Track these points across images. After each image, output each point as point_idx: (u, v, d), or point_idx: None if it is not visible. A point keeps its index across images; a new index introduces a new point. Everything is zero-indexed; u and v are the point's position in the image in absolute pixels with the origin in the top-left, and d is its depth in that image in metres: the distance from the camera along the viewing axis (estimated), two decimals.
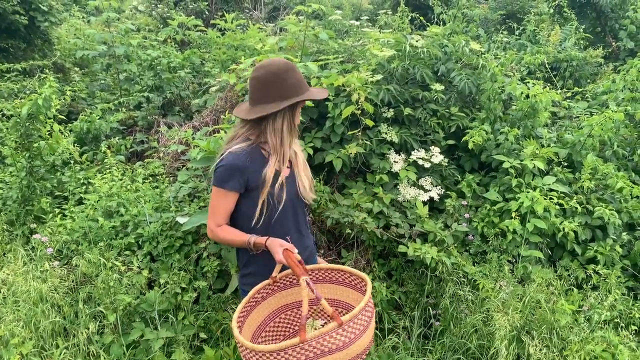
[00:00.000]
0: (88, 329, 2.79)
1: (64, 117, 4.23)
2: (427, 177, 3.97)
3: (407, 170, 3.87)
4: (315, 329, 2.07)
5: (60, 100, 3.84)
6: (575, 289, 3.45)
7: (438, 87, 4.03)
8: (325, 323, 2.17)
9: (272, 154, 2.02)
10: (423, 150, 3.97)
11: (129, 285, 3.02)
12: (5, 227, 3.36)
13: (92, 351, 2.77)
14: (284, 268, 2.07)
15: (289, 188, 2.09)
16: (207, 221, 2.10)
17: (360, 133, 3.80)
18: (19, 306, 2.79)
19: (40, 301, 2.82)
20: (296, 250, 1.95)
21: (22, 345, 2.59)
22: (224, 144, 2.09)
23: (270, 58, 2.01)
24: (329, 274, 2.17)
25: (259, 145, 2.03)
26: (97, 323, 2.86)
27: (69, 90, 4.28)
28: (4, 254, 3.15)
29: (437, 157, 3.91)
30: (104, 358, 2.74)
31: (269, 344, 2.14)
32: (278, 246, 1.93)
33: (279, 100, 1.93)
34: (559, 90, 4.63)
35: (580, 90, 5.21)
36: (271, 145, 2.01)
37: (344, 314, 2.04)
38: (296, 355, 1.68)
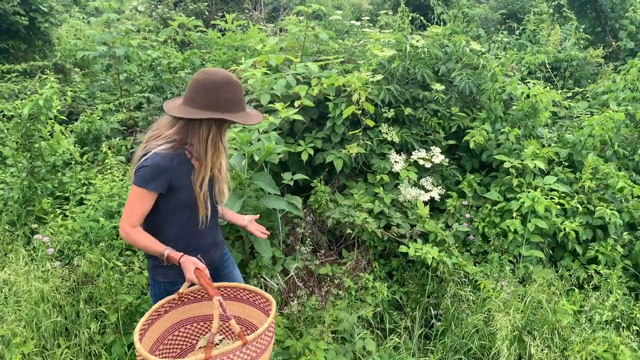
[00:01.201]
0: (90, 328, 2.79)
1: (65, 118, 4.23)
2: (427, 177, 3.97)
3: (408, 170, 3.87)
4: (216, 344, 2.19)
5: (61, 100, 3.83)
6: (576, 289, 3.46)
7: (439, 87, 4.04)
8: (224, 338, 2.27)
9: (198, 160, 2.03)
10: (424, 150, 3.98)
11: (130, 285, 3.02)
12: (6, 227, 3.35)
13: (94, 351, 2.77)
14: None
15: (209, 189, 2.13)
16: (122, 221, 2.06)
17: (360, 133, 3.80)
18: (20, 306, 2.79)
19: (42, 301, 2.82)
20: (207, 271, 2.00)
21: (23, 345, 2.59)
22: (144, 141, 2.05)
23: (219, 69, 2.00)
24: (235, 292, 2.24)
25: (183, 147, 2.02)
26: (99, 323, 2.85)
27: (70, 90, 4.27)
28: (6, 254, 3.15)
29: (438, 157, 3.92)
30: (106, 358, 2.73)
31: (166, 357, 2.18)
32: (191, 264, 1.97)
33: (206, 109, 1.92)
34: (560, 90, 4.62)
35: (580, 90, 5.21)
36: (197, 153, 2.02)
37: (247, 333, 2.14)
38: None
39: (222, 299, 1.96)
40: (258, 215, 2.58)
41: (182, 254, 2.02)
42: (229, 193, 2.26)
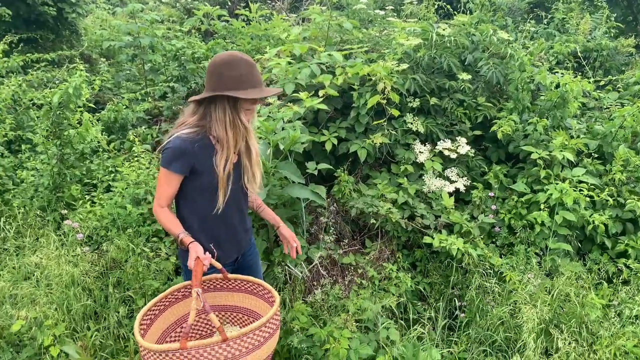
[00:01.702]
0: (118, 312, 2.85)
1: (93, 106, 4.30)
2: (453, 168, 3.92)
3: (433, 160, 3.83)
4: None
5: (89, 89, 3.89)
6: (605, 283, 3.39)
7: (465, 76, 3.97)
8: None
9: (218, 142, 2.06)
10: (449, 140, 3.93)
11: (157, 271, 3.07)
12: (37, 212, 3.43)
13: (122, 334, 2.83)
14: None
15: (235, 175, 2.14)
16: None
17: (385, 123, 3.77)
18: (51, 289, 2.86)
19: (72, 285, 2.88)
20: (208, 263, 2.01)
21: (55, 327, 2.65)
22: (173, 128, 2.11)
23: (226, 51, 2.03)
24: (246, 284, 2.26)
25: (207, 133, 2.06)
26: (127, 307, 2.91)
27: (98, 79, 4.33)
28: (37, 238, 3.23)
29: (464, 147, 3.87)
30: (133, 341, 2.79)
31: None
32: (194, 252, 2.00)
33: (212, 90, 1.96)
34: (590, 80, 4.51)
35: (611, 79, 5.07)
36: (216, 134, 2.05)
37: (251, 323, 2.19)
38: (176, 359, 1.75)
39: (226, 289, 2.11)
40: (294, 241, 2.46)
41: (192, 240, 2.06)
42: (261, 181, 2.26)
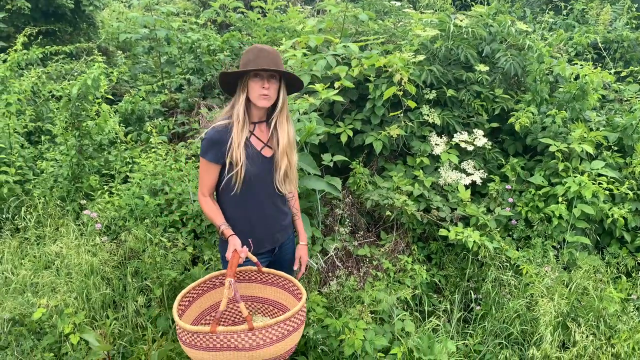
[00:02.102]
0: (136, 301, 2.89)
1: (111, 97, 4.35)
2: (469, 160, 3.89)
3: (449, 153, 3.81)
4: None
5: (107, 82, 3.94)
6: (623, 277, 3.35)
7: (482, 68, 3.93)
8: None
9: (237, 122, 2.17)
10: (466, 132, 3.90)
11: (174, 261, 3.10)
12: (57, 202, 3.48)
13: (140, 323, 2.87)
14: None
15: (266, 168, 2.24)
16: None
17: (401, 115, 3.75)
18: (72, 278, 2.90)
19: (91, 274, 2.93)
20: (244, 256, 2.11)
21: (74, 315, 2.69)
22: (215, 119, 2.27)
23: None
24: (277, 279, 2.37)
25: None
26: (145, 297, 2.95)
27: (116, 71, 4.37)
28: (57, 228, 3.28)
29: (481, 140, 3.83)
30: (151, 330, 2.83)
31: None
32: (232, 245, 2.12)
33: (232, 72, 2.17)
34: (611, 70, 4.42)
35: (632, 69, 4.97)
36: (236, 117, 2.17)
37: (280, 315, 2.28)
38: (206, 342, 1.91)
39: (259, 282, 2.26)
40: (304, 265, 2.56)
41: (232, 233, 2.17)
42: (295, 186, 2.35)
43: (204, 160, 2.18)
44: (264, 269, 2.34)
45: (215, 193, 2.31)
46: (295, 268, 2.51)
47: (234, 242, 2.13)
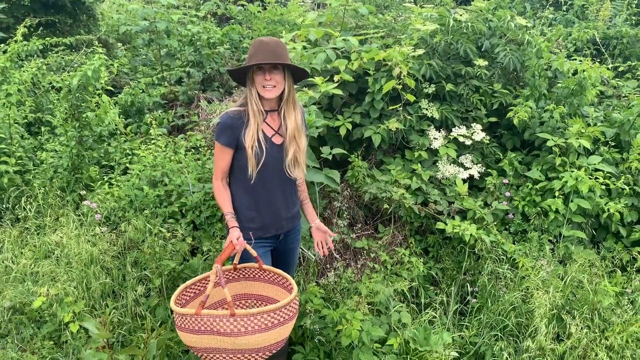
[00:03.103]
0: (136, 291, 2.91)
1: (111, 88, 4.36)
2: (467, 154, 3.92)
3: (447, 147, 3.83)
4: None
5: (107, 73, 3.95)
6: (618, 271, 3.38)
7: (481, 62, 3.95)
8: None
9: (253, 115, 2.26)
10: (464, 127, 3.92)
11: (173, 251, 3.12)
12: (57, 193, 3.51)
13: (139, 312, 2.90)
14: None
15: (275, 154, 2.30)
16: None
17: (400, 109, 3.77)
18: (71, 267, 2.93)
19: (91, 263, 2.95)
20: (240, 249, 2.21)
21: (74, 304, 2.72)
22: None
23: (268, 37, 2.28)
24: (276, 278, 2.42)
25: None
26: (144, 286, 2.97)
27: (117, 63, 4.38)
28: (57, 218, 3.30)
29: (479, 134, 3.85)
30: (150, 319, 2.85)
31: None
32: (230, 237, 2.21)
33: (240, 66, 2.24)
34: (610, 65, 4.44)
35: (630, 64, 4.99)
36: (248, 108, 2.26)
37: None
38: (192, 325, 2.00)
39: (263, 282, 2.39)
40: (334, 235, 2.60)
41: (234, 225, 2.24)
42: (303, 172, 2.38)
43: (217, 144, 2.26)
44: (265, 267, 2.40)
45: (228, 178, 2.39)
46: (322, 248, 2.54)
47: (233, 234, 2.22)
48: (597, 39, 5.32)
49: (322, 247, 2.54)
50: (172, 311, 2.11)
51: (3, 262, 3.01)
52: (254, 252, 2.28)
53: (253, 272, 2.47)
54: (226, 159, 2.28)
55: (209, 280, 2.36)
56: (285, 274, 2.36)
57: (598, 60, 5.16)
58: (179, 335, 2.08)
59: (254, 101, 2.23)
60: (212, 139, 4.24)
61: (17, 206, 3.41)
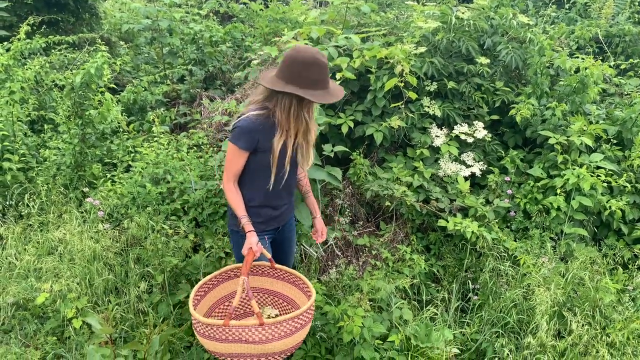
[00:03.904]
0: (138, 287, 2.93)
1: (114, 86, 4.37)
2: (469, 152, 3.92)
3: (449, 145, 3.83)
4: (270, 316, 2.49)
5: (110, 71, 3.96)
6: (620, 268, 3.38)
7: (483, 60, 3.94)
8: (278, 314, 2.55)
9: (278, 126, 2.19)
10: (466, 125, 3.92)
11: (176, 248, 3.14)
12: (60, 189, 3.52)
13: (142, 308, 2.91)
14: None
15: (292, 157, 2.30)
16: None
17: (402, 106, 3.77)
18: (74, 264, 2.95)
19: (94, 260, 2.97)
20: (259, 254, 2.23)
21: (77, 300, 2.74)
22: (245, 106, 2.31)
23: (310, 47, 2.10)
24: (289, 275, 2.50)
25: (271, 114, 2.20)
26: (146, 283, 2.99)
27: (120, 61, 4.39)
28: (60, 215, 3.32)
29: (481, 132, 3.85)
30: (153, 316, 2.87)
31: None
32: (249, 243, 2.21)
33: (288, 83, 2.06)
34: (612, 63, 4.43)
35: (632, 61, 4.98)
36: (278, 119, 2.18)
37: (289, 310, 2.51)
38: (219, 334, 2.02)
39: (273, 278, 2.43)
40: (323, 235, 2.64)
41: (252, 229, 2.24)
42: (308, 165, 2.39)
43: (234, 147, 2.20)
44: (277, 265, 2.46)
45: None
46: (319, 241, 2.62)
47: (251, 239, 2.22)
48: (600, 37, 5.31)
49: (322, 235, 2.60)
50: (192, 317, 2.12)
51: (7, 258, 3.03)
52: (268, 255, 2.35)
53: (262, 269, 2.52)
54: (241, 163, 2.25)
55: (222, 278, 2.46)
56: (299, 274, 2.43)
57: (600, 58, 5.15)
58: (201, 342, 2.11)
59: (283, 116, 2.15)
60: (215, 137, 4.25)
61: (20, 203, 3.43)
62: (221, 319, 2.41)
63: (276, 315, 2.53)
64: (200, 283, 2.33)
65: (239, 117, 2.22)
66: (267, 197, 2.35)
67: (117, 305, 2.89)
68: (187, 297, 2.96)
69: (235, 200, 2.29)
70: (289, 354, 2.13)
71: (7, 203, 3.46)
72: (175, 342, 2.75)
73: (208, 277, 2.38)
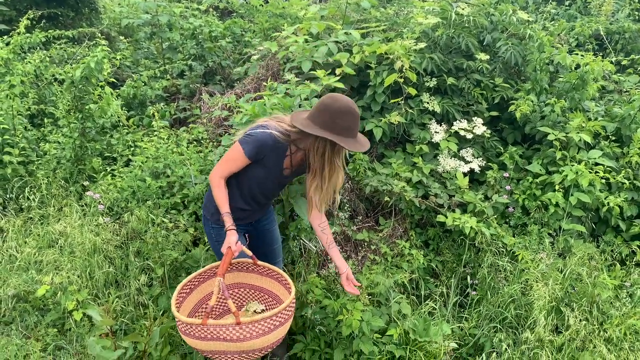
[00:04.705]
0: (138, 280, 2.94)
1: (115, 80, 4.37)
2: (468, 148, 3.93)
3: (448, 140, 3.84)
4: (255, 311, 2.52)
5: (110, 66, 3.97)
6: (617, 265, 3.40)
7: (483, 56, 3.95)
8: (264, 309, 2.57)
9: (312, 174, 2.31)
10: (465, 121, 3.93)
11: (176, 242, 3.15)
12: (61, 183, 3.53)
13: (142, 301, 2.93)
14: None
15: (281, 183, 2.45)
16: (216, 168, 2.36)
17: (402, 102, 3.78)
18: (75, 256, 2.96)
19: (94, 253, 2.98)
20: (237, 253, 2.26)
21: (78, 292, 2.74)
22: (270, 118, 2.36)
23: (344, 97, 2.20)
24: (269, 272, 2.53)
25: (290, 144, 2.31)
26: (146, 276, 3.00)
27: (120, 55, 4.39)
28: (61, 208, 3.33)
29: (480, 128, 3.87)
30: (153, 308, 2.88)
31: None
32: (228, 242, 2.24)
33: (323, 129, 2.14)
34: (613, 59, 4.44)
35: (633, 58, 4.99)
36: (312, 167, 2.30)
37: (274, 305, 2.54)
38: (198, 332, 2.06)
39: (257, 274, 2.48)
40: (360, 285, 2.62)
41: (232, 228, 2.26)
42: (334, 203, 2.47)
43: (241, 151, 2.24)
44: (259, 262, 2.48)
45: None
46: (350, 291, 2.53)
47: (231, 238, 2.24)
48: (602, 33, 5.32)
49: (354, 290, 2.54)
50: (175, 317, 2.17)
51: (7, 250, 3.04)
52: (249, 252, 2.38)
53: (246, 266, 2.56)
54: (239, 166, 2.30)
55: (204, 277, 2.48)
56: (280, 270, 2.46)
57: (601, 54, 5.16)
58: (184, 339, 2.15)
59: (330, 163, 2.25)
60: (214, 132, 4.26)
61: (21, 196, 3.44)
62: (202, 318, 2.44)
63: (262, 311, 2.55)
64: (184, 281, 2.35)
65: (258, 125, 2.28)
66: (246, 202, 2.43)
67: (117, 298, 2.90)
68: None
69: (222, 196, 2.32)
70: (270, 349, 2.17)
71: (8, 196, 3.46)
72: (174, 335, 2.77)
73: (192, 275, 2.41)
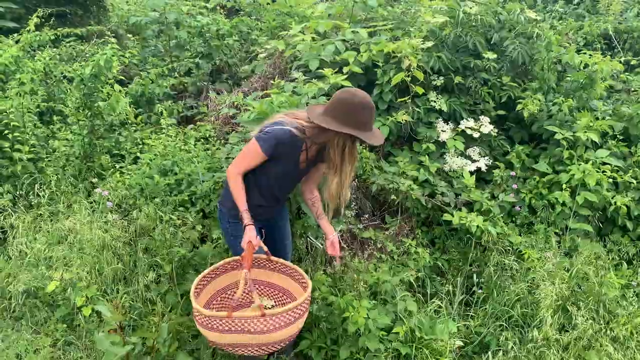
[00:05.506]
0: (146, 277, 2.97)
1: (123, 77, 4.40)
2: (475, 147, 3.93)
3: (455, 139, 3.84)
4: (266, 307, 2.43)
5: (119, 64, 3.99)
6: (624, 264, 3.39)
7: (491, 55, 3.95)
8: (274, 305, 2.63)
9: (333, 169, 2.32)
10: (472, 119, 3.93)
11: (184, 239, 3.17)
12: (70, 180, 3.56)
13: (150, 297, 2.95)
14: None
15: (296, 176, 2.48)
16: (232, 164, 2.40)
17: (409, 101, 3.79)
18: (84, 253, 2.98)
19: (103, 249, 3.01)
20: (257, 248, 2.32)
21: (87, 288, 2.77)
22: (286, 114, 2.39)
23: (360, 90, 2.24)
24: (283, 267, 2.59)
25: (306, 140, 2.33)
26: (154, 273, 3.02)
27: (129, 53, 4.42)
28: (70, 204, 3.35)
29: (487, 127, 3.87)
30: (161, 305, 2.90)
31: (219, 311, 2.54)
32: (247, 237, 2.29)
33: (342, 124, 2.17)
34: (622, 58, 4.42)
35: None
36: (332, 163, 2.32)
37: (287, 301, 2.58)
38: (222, 325, 2.09)
39: (268, 269, 2.49)
40: (341, 255, 2.73)
41: (251, 223, 2.31)
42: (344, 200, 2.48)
43: (258, 148, 2.28)
44: (273, 258, 2.53)
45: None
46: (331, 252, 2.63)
47: (250, 233, 2.29)
48: (611, 32, 5.29)
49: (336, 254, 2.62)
50: (193, 309, 2.20)
51: (17, 247, 3.07)
52: (265, 248, 2.43)
53: (258, 261, 2.58)
54: (256, 163, 2.34)
55: (219, 271, 2.53)
56: (295, 266, 2.50)
57: (609, 53, 5.14)
58: (202, 332, 2.17)
59: (350, 154, 2.29)
60: (221, 129, 4.28)
61: (30, 193, 3.46)
62: (220, 311, 2.48)
63: (272, 307, 2.59)
64: (200, 276, 2.39)
65: (274, 122, 2.32)
66: (265, 198, 2.46)
67: (125, 294, 2.92)
68: None
69: (239, 191, 2.35)
70: (283, 344, 2.20)
71: (18, 193, 3.49)
72: (182, 331, 2.79)
73: (208, 269, 2.44)
